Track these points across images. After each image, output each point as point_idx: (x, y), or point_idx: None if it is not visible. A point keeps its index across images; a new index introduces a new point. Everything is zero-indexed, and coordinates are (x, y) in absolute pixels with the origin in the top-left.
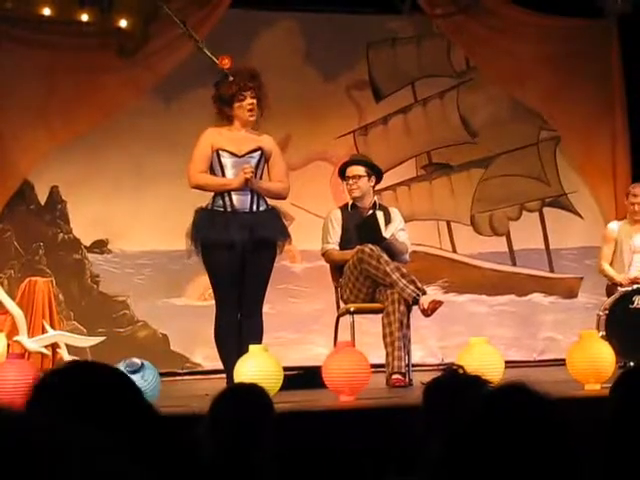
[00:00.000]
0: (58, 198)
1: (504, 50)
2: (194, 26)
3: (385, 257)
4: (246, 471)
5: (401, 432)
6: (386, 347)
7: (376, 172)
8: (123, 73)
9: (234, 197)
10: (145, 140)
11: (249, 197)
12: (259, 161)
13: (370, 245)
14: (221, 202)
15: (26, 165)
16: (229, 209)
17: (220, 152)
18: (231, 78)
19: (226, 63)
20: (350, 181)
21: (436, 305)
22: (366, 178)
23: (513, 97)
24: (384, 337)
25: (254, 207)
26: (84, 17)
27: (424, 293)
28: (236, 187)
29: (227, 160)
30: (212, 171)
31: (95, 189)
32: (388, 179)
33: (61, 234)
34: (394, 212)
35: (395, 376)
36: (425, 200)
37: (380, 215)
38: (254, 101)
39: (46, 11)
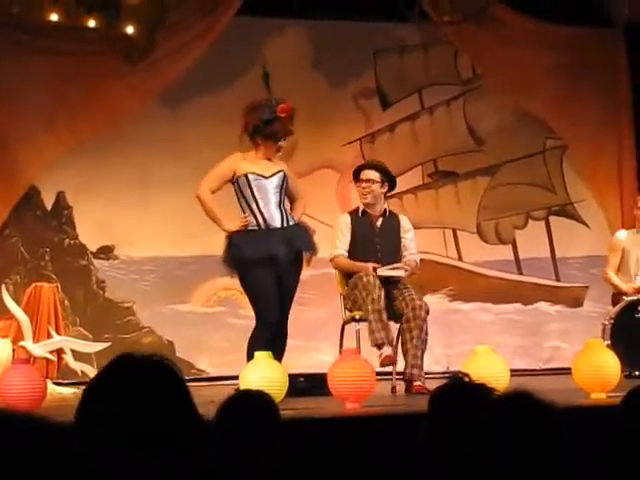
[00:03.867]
0: (64, 204)
1: (511, 58)
2: (200, 33)
3: (374, 295)
4: (252, 477)
5: (406, 439)
6: (405, 353)
7: (390, 179)
8: (129, 79)
9: (269, 215)
10: (151, 146)
11: (279, 215)
12: (283, 181)
13: (371, 276)
14: (254, 221)
15: (33, 171)
16: (263, 227)
17: (249, 175)
18: (276, 121)
19: (282, 112)
20: (363, 184)
21: (385, 361)
22: (379, 184)
23: (520, 105)
24: (403, 343)
25: (284, 223)
26: (91, 23)
27: (389, 345)
28: (228, 230)
29: (259, 182)
30: (242, 194)
31: (101, 195)
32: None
33: (67, 240)
34: (404, 220)
35: (417, 383)
36: (431, 208)
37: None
38: (284, 145)
39: (53, 17)
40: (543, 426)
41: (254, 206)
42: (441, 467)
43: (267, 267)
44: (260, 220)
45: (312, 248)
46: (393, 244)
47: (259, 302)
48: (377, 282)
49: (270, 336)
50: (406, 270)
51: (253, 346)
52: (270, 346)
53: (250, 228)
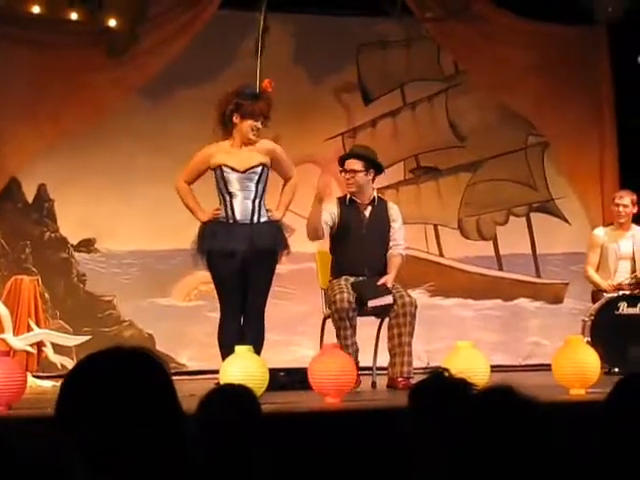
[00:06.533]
0: (46, 196)
1: (493, 55)
2: (183, 26)
3: (346, 323)
4: (234, 472)
5: (386, 434)
6: (392, 348)
7: (375, 166)
8: (112, 72)
9: (236, 209)
10: (133, 140)
11: (250, 209)
12: (261, 175)
13: (346, 302)
14: (224, 214)
15: (14, 163)
16: (231, 220)
17: (223, 168)
18: (258, 98)
19: (267, 86)
20: (347, 175)
21: None
22: (363, 173)
23: (502, 102)
24: (390, 338)
25: (254, 218)
26: (73, 16)
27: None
28: (201, 220)
29: (230, 175)
30: (217, 185)
31: (83, 188)
32: (376, 182)
33: (48, 233)
34: (392, 208)
35: (403, 382)
36: (413, 204)
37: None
38: (261, 127)
39: (35, 9)
40: (525, 421)
41: (227, 199)
42: (424, 461)
43: (228, 261)
44: (229, 213)
45: (280, 246)
46: (381, 234)
47: (222, 294)
48: (352, 305)
49: (237, 328)
50: (392, 293)
51: (223, 340)
52: (241, 338)
53: (219, 219)
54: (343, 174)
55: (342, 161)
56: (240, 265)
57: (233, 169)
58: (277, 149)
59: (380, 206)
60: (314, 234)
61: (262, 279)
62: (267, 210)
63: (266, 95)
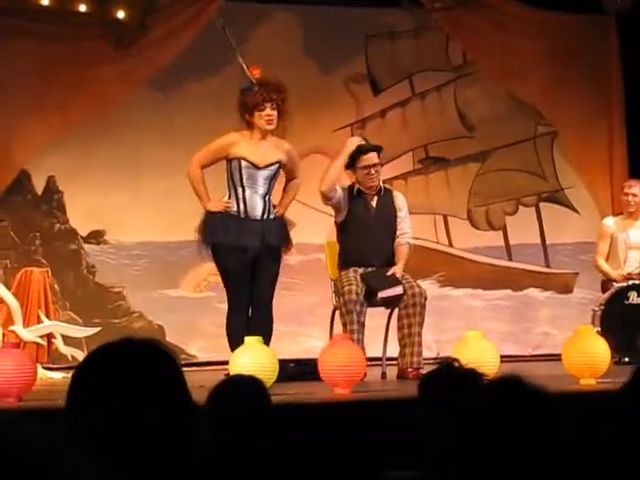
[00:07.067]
0: (55, 188)
1: (502, 45)
2: (190, 18)
3: (353, 316)
4: (244, 462)
5: (396, 425)
6: (402, 338)
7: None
8: (120, 65)
9: (249, 204)
10: (142, 132)
11: (262, 205)
12: (276, 173)
13: (354, 294)
14: (236, 208)
15: (23, 155)
16: (242, 215)
17: (242, 161)
18: (257, 88)
19: (256, 73)
20: (372, 170)
21: None
22: (380, 165)
23: (510, 92)
24: (400, 329)
25: (265, 215)
26: (82, 8)
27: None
28: (206, 208)
29: (247, 170)
30: (231, 176)
31: (92, 180)
32: (385, 172)
33: (57, 224)
34: (398, 197)
35: (413, 372)
36: (422, 194)
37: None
38: (274, 112)
39: (44, 1)
40: (534, 411)
41: (240, 192)
42: (434, 451)
43: (239, 255)
44: (241, 208)
45: (286, 243)
46: (388, 224)
47: (230, 288)
48: (360, 298)
49: (244, 321)
50: (402, 283)
51: (231, 332)
52: (248, 330)
53: (231, 213)
54: (366, 170)
55: (353, 158)
56: (250, 260)
57: (253, 164)
58: (293, 150)
59: (386, 196)
60: (329, 186)
61: (271, 273)
62: (273, 206)
63: (259, 82)
